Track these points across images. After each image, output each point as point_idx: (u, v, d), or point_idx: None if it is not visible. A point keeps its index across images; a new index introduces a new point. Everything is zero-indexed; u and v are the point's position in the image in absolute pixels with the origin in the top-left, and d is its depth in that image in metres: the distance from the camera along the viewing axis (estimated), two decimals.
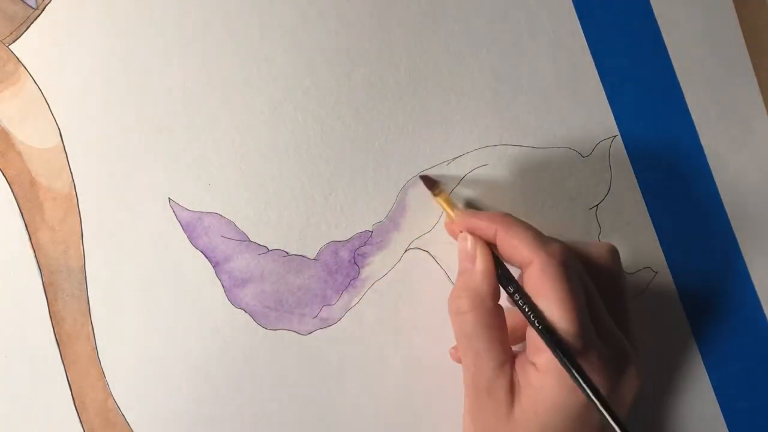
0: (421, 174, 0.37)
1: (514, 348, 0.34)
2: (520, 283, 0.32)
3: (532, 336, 0.31)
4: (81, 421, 0.35)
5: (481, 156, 0.38)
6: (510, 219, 0.33)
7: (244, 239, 0.36)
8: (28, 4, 0.35)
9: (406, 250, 0.37)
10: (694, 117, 0.40)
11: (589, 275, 0.33)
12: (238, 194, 0.36)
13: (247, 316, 0.36)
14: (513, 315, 0.34)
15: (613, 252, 0.34)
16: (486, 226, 0.33)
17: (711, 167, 0.40)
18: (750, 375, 0.39)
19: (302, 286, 0.36)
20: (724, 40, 0.40)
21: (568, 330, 0.30)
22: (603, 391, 0.30)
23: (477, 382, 0.32)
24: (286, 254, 0.36)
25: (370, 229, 0.37)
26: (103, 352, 0.35)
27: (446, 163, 0.38)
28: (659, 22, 0.40)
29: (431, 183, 0.37)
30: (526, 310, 0.31)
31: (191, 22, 0.36)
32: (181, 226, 0.36)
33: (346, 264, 0.37)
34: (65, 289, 0.35)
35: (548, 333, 0.30)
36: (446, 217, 0.36)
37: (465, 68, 0.38)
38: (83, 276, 0.35)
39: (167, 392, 0.36)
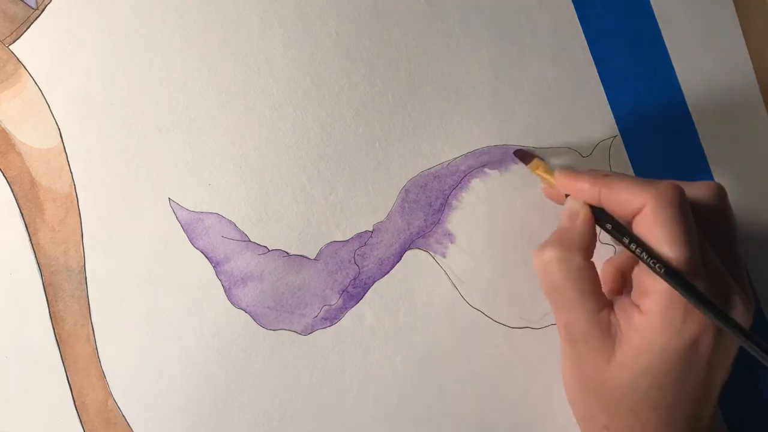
0: (516, 150, 0.38)
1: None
2: (631, 229, 0.32)
3: (639, 279, 0.31)
4: (81, 422, 0.35)
5: (481, 156, 0.38)
6: (610, 177, 0.32)
7: (245, 239, 0.36)
8: (28, 5, 0.35)
9: (406, 250, 0.37)
10: (694, 117, 0.40)
11: (696, 217, 0.32)
12: (239, 194, 0.36)
13: (247, 316, 0.36)
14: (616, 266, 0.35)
15: (721, 192, 0.34)
16: (589, 189, 0.33)
17: (711, 167, 0.40)
18: (750, 375, 0.39)
19: (302, 287, 0.36)
20: (724, 40, 0.40)
21: (679, 263, 0.29)
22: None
23: (571, 332, 0.32)
24: (286, 254, 0.36)
25: (370, 229, 0.37)
26: (103, 352, 0.35)
27: (446, 163, 0.38)
28: (659, 22, 0.40)
29: (525, 156, 0.37)
30: (636, 249, 0.30)
31: (191, 22, 0.36)
32: (182, 226, 0.36)
33: (347, 264, 0.37)
34: (65, 289, 0.35)
35: (662, 265, 0.29)
36: (544, 183, 0.36)
37: (465, 68, 0.38)
38: (83, 276, 0.35)
39: (167, 392, 0.36)
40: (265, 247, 0.36)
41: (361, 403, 0.37)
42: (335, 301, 0.37)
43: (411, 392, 0.37)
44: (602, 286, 0.33)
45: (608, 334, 0.31)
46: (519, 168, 0.38)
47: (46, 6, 0.35)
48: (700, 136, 0.39)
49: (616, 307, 0.32)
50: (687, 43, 0.40)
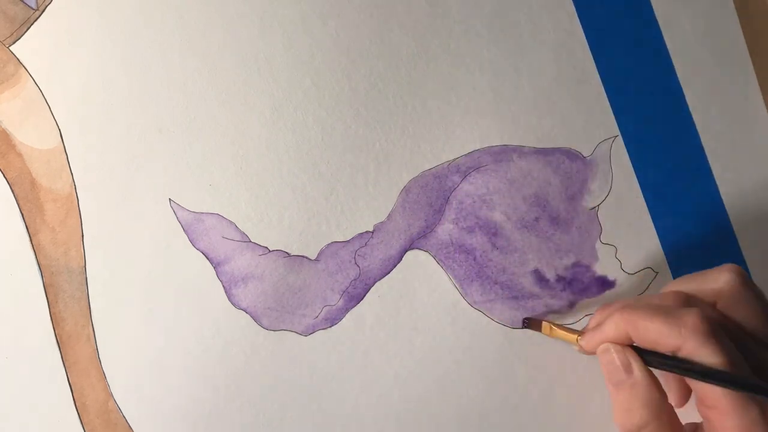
0: (524, 319, 0.37)
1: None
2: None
3: (707, 415, 0.30)
4: (82, 423, 0.35)
5: (481, 156, 0.38)
6: (630, 315, 0.32)
7: (245, 240, 0.36)
8: (28, 5, 0.35)
9: (406, 251, 0.37)
10: (694, 117, 0.40)
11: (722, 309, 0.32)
12: (239, 195, 0.36)
13: (247, 316, 0.36)
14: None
15: (740, 277, 0.33)
16: (613, 332, 0.32)
17: (711, 167, 0.40)
18: None
19: (303, 287, 0.36)
20: (724, 40, 0.40)
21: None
22: None
23: None
24: (286, 255, 0.36)
25: (371, 230, 0.37)
26: (103, 353, 0.35)
27: (446, 163, 0.38)
28: (659, 22, 0.40)
29: (536, 325, 0.37)
30: (698, 375, 0.30)
31: (191, 22, 0.36)
32: (182, 227, 0.36)
33: (347, 264, 0.37)
34: (66, 290, 0.35)
35: (730, 378, 0.29)
36: (576, 345, 0.36)
37: (465, 68, 0.38)
38: (84, 277, 0.35)
39: (168, 393, 0.36)
40: (266, 247, 0.36)
41: (361, 403, 0.37)
42: (336, 301, 0.37)
43: (411, 392, 0.37)
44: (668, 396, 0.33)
45: None
46: (519, 167, 0.38)
47: (47, 6, 0.35)
48: (700, 135, 0.40)
49: None
50: (687, 42, 0.40)
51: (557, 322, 0.36)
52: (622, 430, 0.32)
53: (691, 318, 0.30)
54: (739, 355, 0.30)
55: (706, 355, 0.29)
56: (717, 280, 0.33)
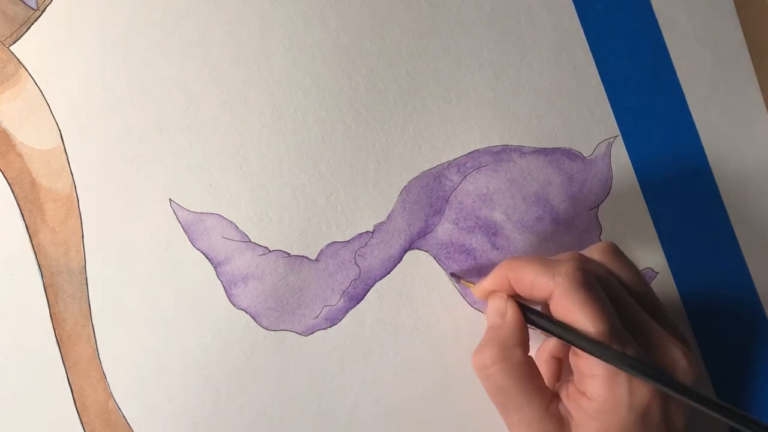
0: (451, 273, 0.38)
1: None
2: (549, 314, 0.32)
3: (576, 365, 0.31)
4: (82, 423, 0.35)
5: (482, 156, 0.38)
6: (513, 262, 0.33)
7: (245, 240, 0.36)
8: (28, 5, 0.35)
9: (406, 251, 0.37)
10: (694, 117, 0.40)
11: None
12: (239, 195, 0.36)
13: (247, 317, 0.36)
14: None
15: (612, 250, 0.34)
16: (497, 280, 0.33)
17: (711, 167, 0.40)
18: (750, 375, 0.39)
19: (303, 287, 0.36)
20: (725, 40, 0.40)
21: (603, 337, 0.29)
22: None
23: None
24: (287, 255, 0.36)
25: (371, 230, 0.37)
26: (104, 353, 0.35)
27: (447, 163, 0.38)
28: (659, 22, 0.40)
29: (457, 279, 0.37)
30: (562, 335, 0.31)
31: (191, 22, 0.36)
32: (182, 227, 0.36)
33: (347, 265, 0.37)
34: (66, 290, 0.35)
35: (590, 345, 0.30)
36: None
37: (465, 68, 0.38)
38: (84, 277, 0.35)
39: (168, 393, 0.36)
40: (266, 247, 0.36)
41: (361, 403, 0.37)
42: (336, 301, 0.37)
43: (411, 393, 0.37)
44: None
45: (561, 425, 0.31)
46: (520, 167, 0.38)
47: (47, 6, 0.35)
48: (700, 135, 0.40)
49: (562, 396, 0.32)
50: (687, 42, 0.40)
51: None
52: (476, 370, 0.33)
53: (566, 266, 0.31)
54: (611, 310, 0.30)
55: (574, 302, 0.30)
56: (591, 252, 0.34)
